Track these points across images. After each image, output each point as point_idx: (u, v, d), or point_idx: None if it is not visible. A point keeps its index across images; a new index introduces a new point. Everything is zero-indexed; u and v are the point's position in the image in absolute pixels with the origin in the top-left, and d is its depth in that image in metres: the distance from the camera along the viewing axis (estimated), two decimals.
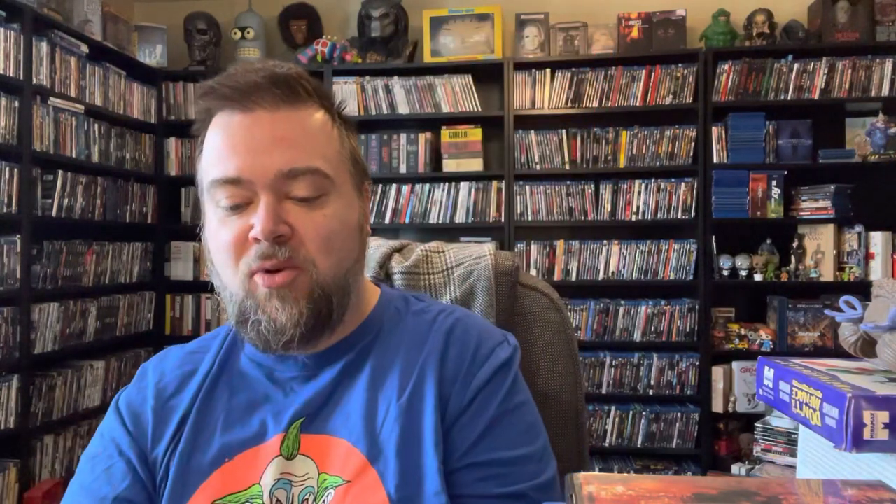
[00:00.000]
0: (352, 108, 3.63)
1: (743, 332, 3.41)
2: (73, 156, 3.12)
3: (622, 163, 3.49)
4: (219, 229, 0.76)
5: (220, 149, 0.75)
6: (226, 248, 0.75)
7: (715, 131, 3.41)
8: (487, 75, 3.60)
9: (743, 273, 3.41)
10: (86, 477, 0.78)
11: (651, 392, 3.43)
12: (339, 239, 0.77)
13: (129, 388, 0.85)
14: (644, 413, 3.40)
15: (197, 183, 0.80)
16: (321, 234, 0.75)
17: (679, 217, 3.44)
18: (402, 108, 3.61)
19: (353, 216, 0.79)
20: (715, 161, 3.40)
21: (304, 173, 0.74)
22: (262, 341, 0.75)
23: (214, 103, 0.76)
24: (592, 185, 3.51)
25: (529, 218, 3.52)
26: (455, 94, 3.57)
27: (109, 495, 0.75)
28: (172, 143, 3.81)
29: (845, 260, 3.35)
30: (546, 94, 3.53)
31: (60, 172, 3.03)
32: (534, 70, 3.54)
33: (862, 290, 3.03)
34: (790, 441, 2.66)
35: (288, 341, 0.74)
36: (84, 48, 3.23)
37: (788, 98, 3.37)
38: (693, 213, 3.43)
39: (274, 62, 0.78)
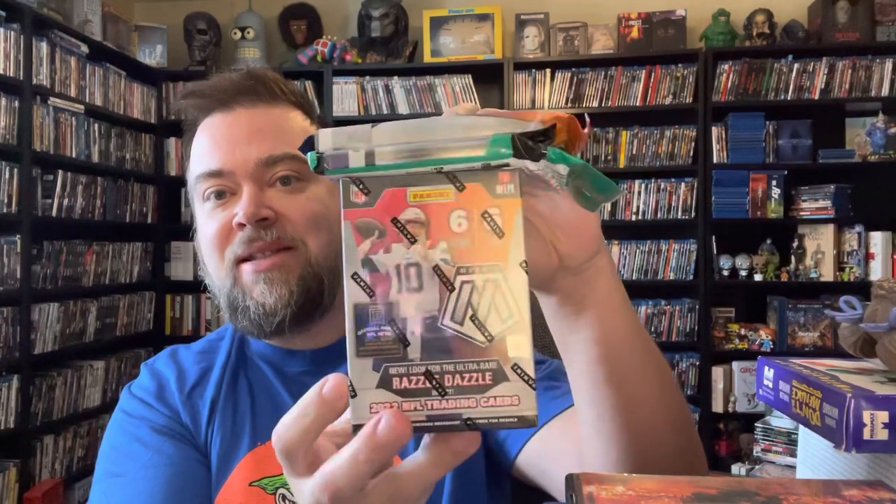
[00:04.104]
0: (352, 108, 3.63)
1: (743, 332, 3.41)
2: (73, 156, 3.12)
3: (622, 163, 3.49)
4: (204, 224, 0.78)
5: (204, 146, 0.78)
6: (211, 239, 0.77)
7: (715, 131, 3.41)
8: (487, 75, 3.60)
9: (743, 273, 3.41)
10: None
11: None
12: (325, 221, 0.78)
13: (141, 381, 0.84)
14: None
15: (188, 189, 0.83)
16: (306, 216, 0.76)
17: (679, 217, 3.44)
18: (402, 108, 3.61)
19: (336, 202, 0.80)
20: (715, 161, 3.40)
21: (282, 160, 0.76)
22: (255, 327, 0.76)
23: (198, 111, 0.80)
24: None
25: None
26: (455, 95, 3.58)
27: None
28: (172, 143, 3.81)
29: (845, 260, 3.35)
30: (546, 95, 3.53)
31: (60, 172, 3.03)
32: (534, 70, 3.54)
33: (862, 290, 3.03)
34: (790, 441, 2.66)
35: (279, 322, 0.75)
36: (84, 48, 3.23)
37: (788, 98, 3.37)
38: (693, 213, 3.43)
39: (251, 67, 0.82)
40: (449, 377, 0.35)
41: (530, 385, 0.35)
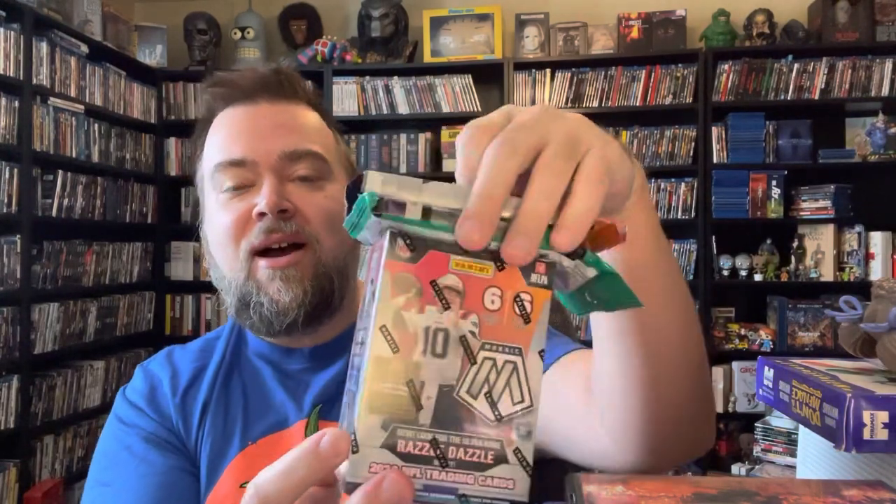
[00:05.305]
0: (352, 108, 3.63)
1: (743, 332, 3.41)
2: (73, 156, 3.12)
3: None
4: (219, 213, 0.77)
5: (225, 137, 0.78)
6: (226, 229, 0.76)
7: (715, 131, 3.41)
8: (487, 75, 3.60)
9: (743, 273, 3.41)
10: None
11: None
12: (340, 220, 0.77)
13: (134, 384, 0.84)
14: None
15: (196, 182, 0.83)
16: (323, 213, 0.77)
17: (679, 217, 3.44)
18: (402, 108, 3.61)
19: None
20: (715, 161, 3.40)
21: (304, 156, 0.77)
22: (264, 324, 0.75)
23: (220, 101, 0.80)
24: None
25: None
26: (455, 95, 3.58)
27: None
28: (172, 143, 3.81)
29: (845, 260, 3.35)
30: (546, 95, 3.53)
31: (60, 172, 3.03)
32: (534, 70, 3.54)
33: (862, 290, 3.03)
34: (790, 441, 2.66)
35: (291, 323, 0.74)
36: (84, 48, 3.23)
37: (788, 98, 3.37)
38: (693, 213, 3.42)
39: (280, 62, 0.84)
40: (453, 449, 0.34)
41: (527, 472, 0.35)
